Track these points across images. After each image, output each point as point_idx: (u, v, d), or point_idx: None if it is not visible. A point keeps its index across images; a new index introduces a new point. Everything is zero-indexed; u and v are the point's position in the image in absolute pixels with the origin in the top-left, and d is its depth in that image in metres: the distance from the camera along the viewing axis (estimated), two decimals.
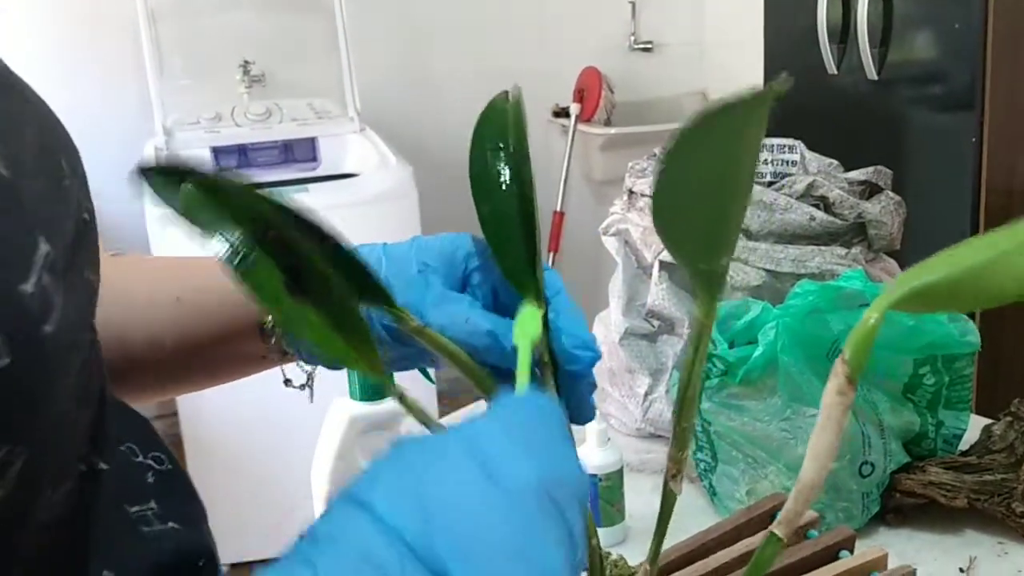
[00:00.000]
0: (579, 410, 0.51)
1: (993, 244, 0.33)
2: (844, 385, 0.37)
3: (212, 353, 0.59)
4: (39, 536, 0.38)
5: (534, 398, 0.38)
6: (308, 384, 0.60)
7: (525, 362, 0.46)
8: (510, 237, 0.49)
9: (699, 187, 0.33)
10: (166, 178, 0.43)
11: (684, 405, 0.44)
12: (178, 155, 2.37)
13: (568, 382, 0.50)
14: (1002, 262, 0.32)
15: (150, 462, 0.50)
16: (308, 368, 0.60)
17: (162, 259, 0.60)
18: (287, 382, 0.60)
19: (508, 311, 0.51)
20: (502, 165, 0.50)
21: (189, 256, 0.58)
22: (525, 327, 0.48)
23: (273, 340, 0.57)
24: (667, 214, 0.34)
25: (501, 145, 0.50)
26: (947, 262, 0.34)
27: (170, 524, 0.49)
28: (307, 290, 0.43)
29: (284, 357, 0.59)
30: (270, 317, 0.56)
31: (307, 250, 0.43)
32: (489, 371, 0.50)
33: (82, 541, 0.44)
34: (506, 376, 0.51)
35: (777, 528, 0.41)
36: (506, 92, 0.52)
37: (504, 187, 0.50)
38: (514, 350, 0.47)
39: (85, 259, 0.44)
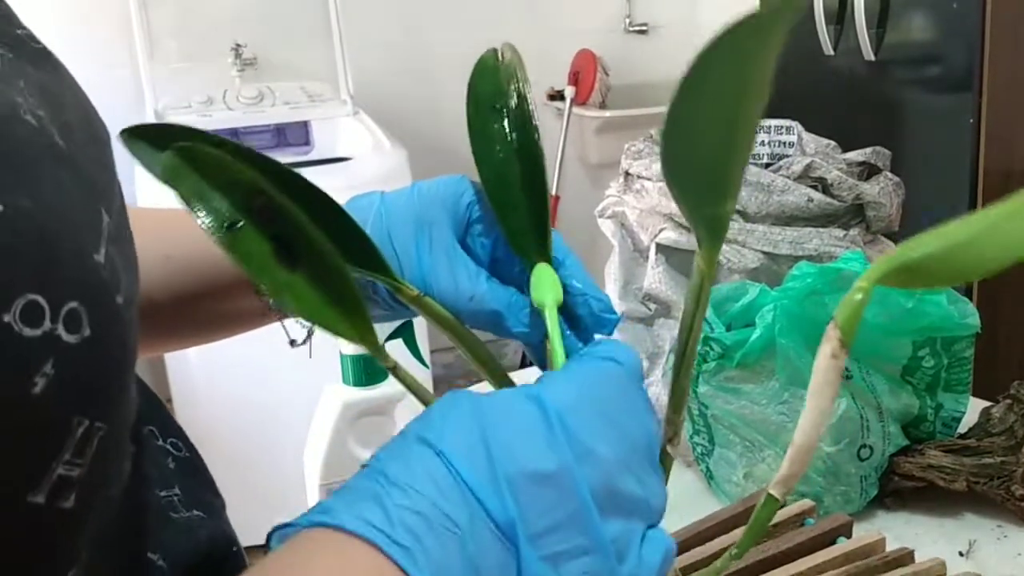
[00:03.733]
0: None
1: (984, 217, 0.33)
2: (837, 348, 0.37)
3: (206, 309, 0.58)
4: (105, 514, 0.38)
5: (613, 354, 0.39)
6: (308, 338, 0.59)
7: (556, 328, 0.45)
8: (514, 200, 0.47)
9: (711, 118, 0.33)
10: (151, 143, 0.43)
11: (683, 361, 0.43)
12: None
13: (574, 350, 0.48)
14: (991, 233, 0.32)
15: (168, 447, 0.49)
16: (307, 324, 0.59)
17: (150, 212, 0.59)
18: (292, 343, 0.59)
19: (507, 264, 0.50)
20: (502, 125, 0.48)
21: (178, 210, 0.57)
22: (545, 288, 0.46)
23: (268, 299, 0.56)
24: (676, 150, 0.33)
25: (498, 105, 0.48)
26: (937, 236, 0.33)
27: (194, 511, 0.48)
28: (298, 259, 0.42)
29: (282, 314, 0.57)
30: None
31: (298, 217, 0.42)
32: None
33: (137, 521, 0.43)
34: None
35: (773, 489, 0.41)
36: (495, 49, 0.50)
37: (506, 149, 0.48)
38: (532, 317, 0.46)
39: (128, 231, 0.43)
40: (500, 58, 0.50)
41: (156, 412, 0.49)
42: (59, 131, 0.37)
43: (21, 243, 0.31)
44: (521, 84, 0.49)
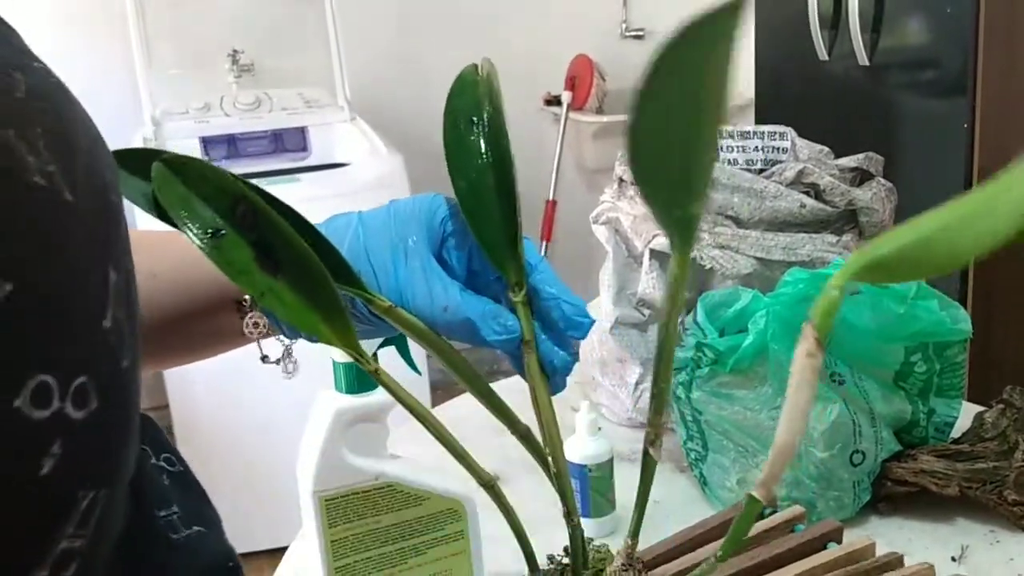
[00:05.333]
0: (560, 380, 0.51)
1: (954, 209, 0.33)
2: (813, 347, 0.38)
3: (189, 328, 0.58)
4: (101, 572, 0.37)
5: None
6: (285, 357, 0.60)
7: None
8: (488, 211, 0.49)
9: (673, 114, 0.33)
10: (124, 166, 0.43)
11: (662, 364, 0.43)
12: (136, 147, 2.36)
13: (551, 354, 0.50)
14: (961, 224, 0.32)
15: (163, 464, 0.49)
16: (287, 342, 0.59)
17: (136, 233, 0.60)
18: (264, 358, 0.59)
19: (483, 275, 0.51)
20: (476, 138, 0.49)
21: (166, 230, 0.57)
22: None
23: (250, 316, 0.57)
24: (641, 150, 0.34)
25: (475, 118, 0.50)
26: (908, 230, 0.34)
27: (194, 528, 0.48)
28: (280, 265, 0.43)
29: (263, 332, 0.58)
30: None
31: (279, 224, 0.43)
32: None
33: (138, 552, 0.42)
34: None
35: (756, 490, 0.41)
36: (475, 64, 0.51)
37: (481, 160, 0.49)
38: (507, 326, 0.48)
39: (131, 272, 0.43)
40: (479, 72, 0.51)
41: (147, 431, 0.49)
42: (69, 185, 0.35)
43: (32, 322, 0.30)
44: (496, 97, 0.50)
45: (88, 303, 0.34)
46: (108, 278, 0.36)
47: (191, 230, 0.42)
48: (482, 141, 0.49)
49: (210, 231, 0.42)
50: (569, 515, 0.49)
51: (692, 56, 0.31)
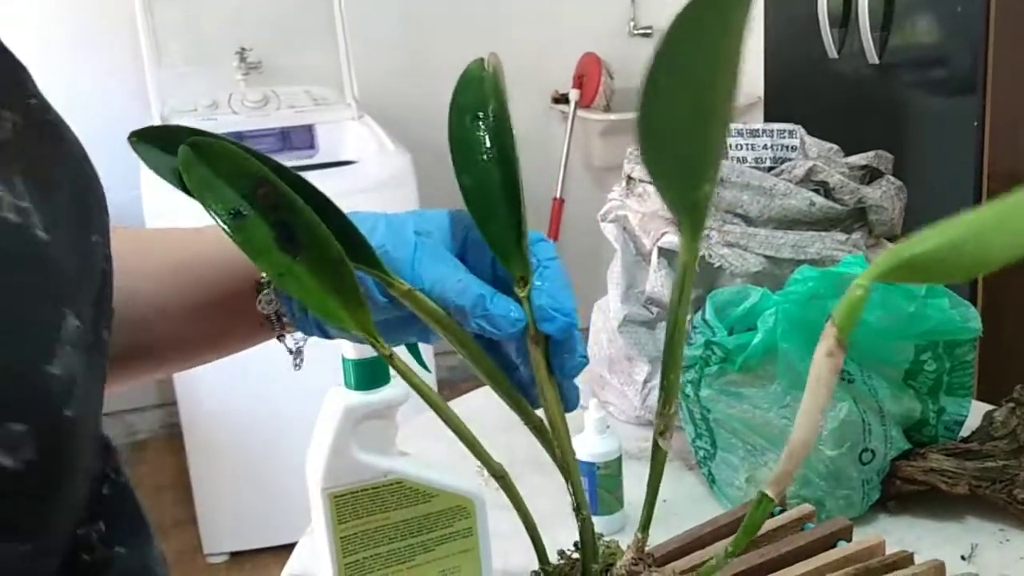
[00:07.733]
0: (568, 392, 0.50)
1: (986, 212, 0.33)
2: (834, 346, 0.37)
3: (209, 319, 0.59)
4: None
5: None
6: (296, 351, 0.60)
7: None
8: (493, 206, 0.49)
9: (683, 96, 0.33)
10: (155, 144, 0.45)
11: (671, 353, 0.43)
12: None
13: (557, 354, 0.49)
14: (994, 228, 0.32)
15: (111, 474, 0.48)
16: (300, 339, 0.60)
17: (162, 231, 0.62)
18: (280, 337, 0.59)
19: (507, 282, 0.50)
20: (482, 133, 0.50)
21: (189, 228, 0.60)
22: None
23: (265, 293, 0.57)
24: (651, 131, 0.34)
25: (480, 114, 0.50)
26: (939, 232, 0.33)
27: (116, 548, 0.46)
28: (300, 247, 0.45)
29: (275, 306, 0.58)
30: (265, 274, 0.56)
31: (300, 207, 0.44)
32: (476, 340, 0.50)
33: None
34: (494, 347, 0.52)
35: (768, 487, 0.41)
36: (482, 59, 0.52)
37: (485, 155, 0.50)
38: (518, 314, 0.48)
39: (102, 317, 0.43)
40: (485, 68, 0.51)
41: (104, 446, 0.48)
42: (44, 220, 0.36)
43: None
44: (501, 93, 0.50)
45: (25, 347, 0.33)
46: (62, 322, 0.36)
47: (214, 210, 0.44)
48: (487, 137, 0.50)
49: (232, 211, 0.44)
50: (579, 509, 0.49)
51: (705, 25, 0.31)
